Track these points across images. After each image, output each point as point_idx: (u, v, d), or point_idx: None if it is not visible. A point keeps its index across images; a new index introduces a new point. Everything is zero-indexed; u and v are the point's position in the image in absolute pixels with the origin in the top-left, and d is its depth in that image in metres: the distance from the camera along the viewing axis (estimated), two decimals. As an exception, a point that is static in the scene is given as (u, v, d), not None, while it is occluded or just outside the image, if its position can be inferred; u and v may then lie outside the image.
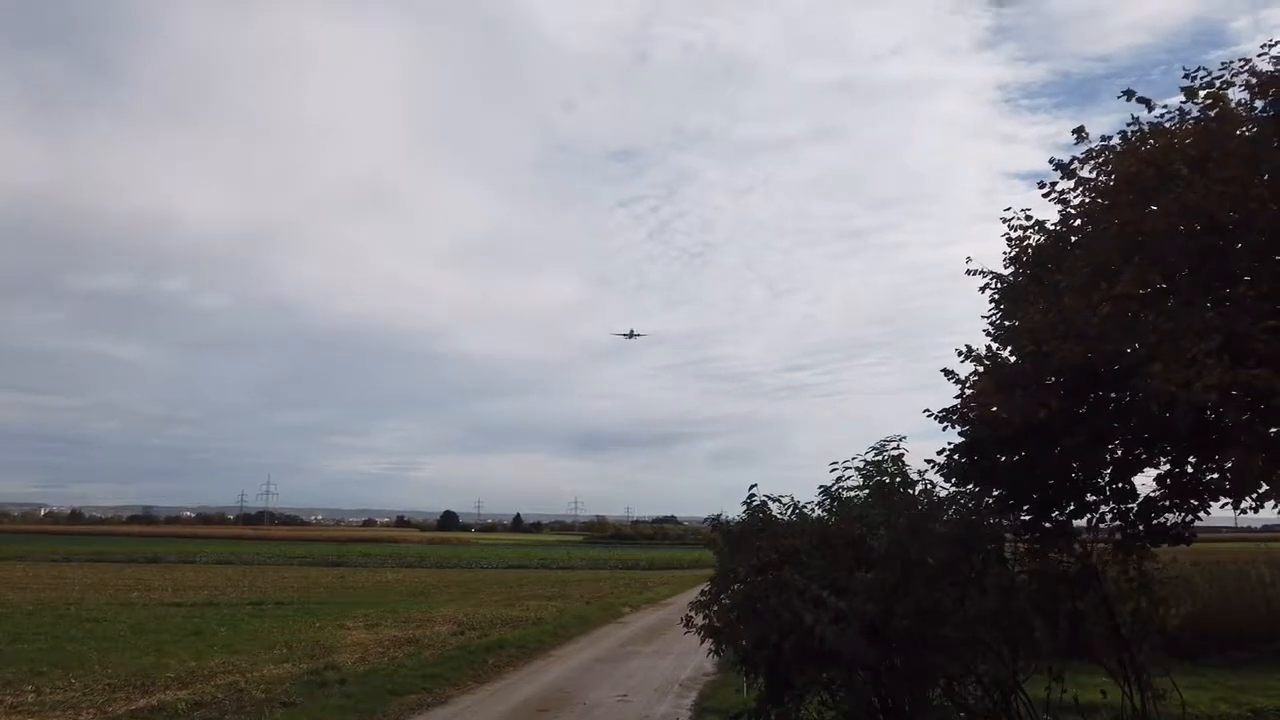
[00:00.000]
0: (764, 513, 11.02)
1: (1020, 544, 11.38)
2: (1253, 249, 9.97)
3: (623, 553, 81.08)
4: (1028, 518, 11.05)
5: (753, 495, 11.04)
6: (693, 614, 10.91)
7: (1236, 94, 10.53)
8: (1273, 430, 8.79)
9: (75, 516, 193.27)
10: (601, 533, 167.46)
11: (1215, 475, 9.92)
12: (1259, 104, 10.51)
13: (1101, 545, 11.07)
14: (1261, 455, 9.22)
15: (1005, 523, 10.92)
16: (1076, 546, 11.16)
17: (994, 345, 11.28)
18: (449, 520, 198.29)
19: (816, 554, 10.29)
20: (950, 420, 10.93)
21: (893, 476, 10.52)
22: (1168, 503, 10.36)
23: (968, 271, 12.22)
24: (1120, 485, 10.82)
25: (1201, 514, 10.43)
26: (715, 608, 10.47)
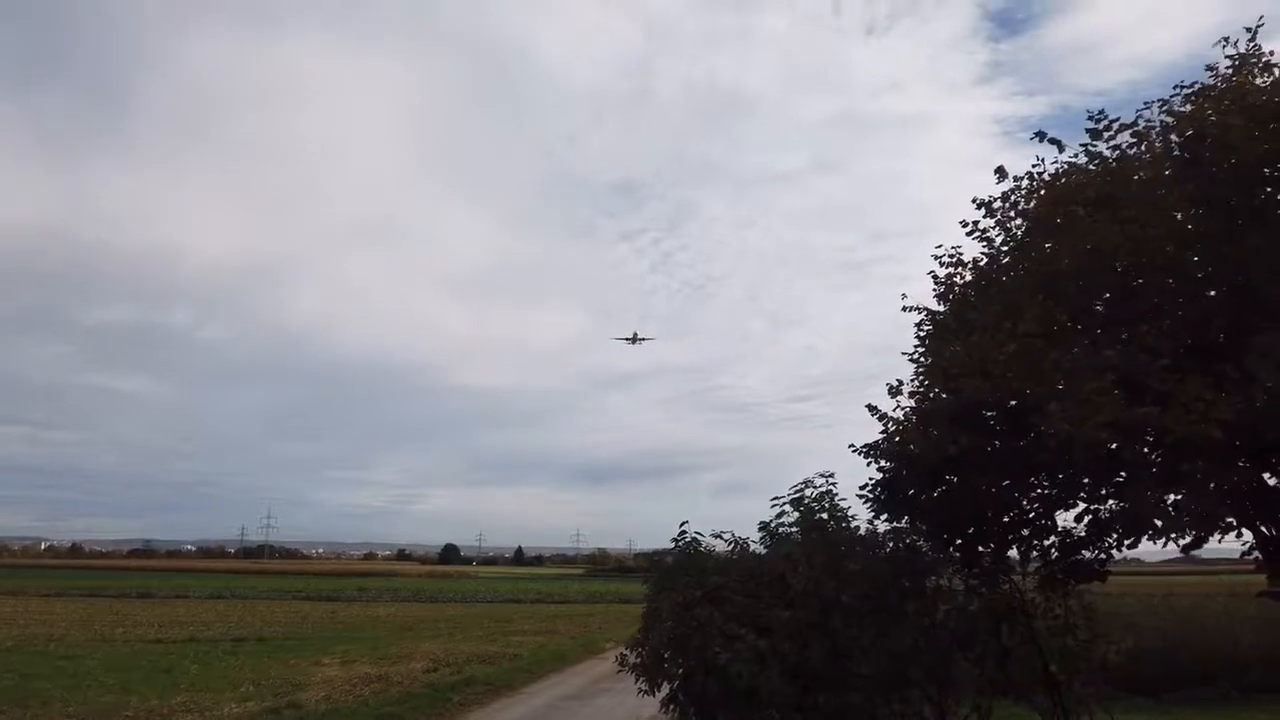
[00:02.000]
0: (694, 549, 11.21)
1: (955, 580, 11.55)
2: (1154, 289, 10.29)
3: (622, 586, 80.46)
4: (958, 553, 11.23)
5: (684, 532, 11.24)
6: (628, 652, 11.05)
7: (1168, 134, 10.88)
8: (1180, 468, 8.97)
9: (76, 551, 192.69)
10: (603, 565, 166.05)
11: (1120, 512, 10.11)
12: (1174, 144, 10.90)
13: (1030, 581, 11.22)
14: (1154, 493, 9.42)
15: (939, 557, 11.09)
16: (1005, 583, 11.31)
17: (917, 381, 11.56)
18: (450, 554, 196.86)
19: (741, 592, 10.45)
20: (873, 455, 11.16)
21: (814, 513, 10.72)
22: (1085, 539, 10.53)
23: (903, 308, 12.56)
24: (1041, 522, 11.00)
25: (1115, 551, 10.60)
26: (646, 646, 10.62)
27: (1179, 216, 10.13)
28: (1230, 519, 9.39)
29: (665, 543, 11.34)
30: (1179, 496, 9.05)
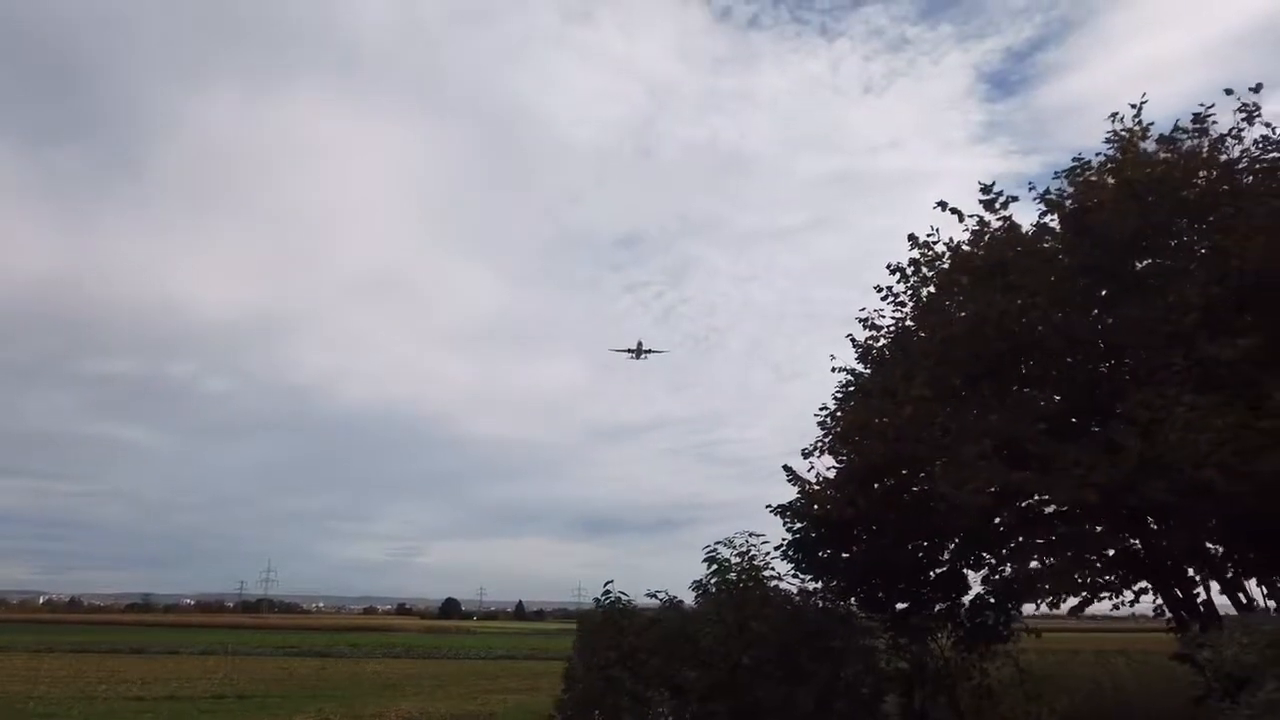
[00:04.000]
0: (616, 610, 11.56)
1: (880, 640, 11.81)
2: (1041, 354, 10.83)
3: (618, 641, 78.69)
4: (874, 613, 11.52)
5: (608, 591, 11.63)
6: (555, 712, 11.32)
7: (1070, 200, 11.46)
8: (1059, 532, 9.32)
9: (74, 604, 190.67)
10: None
11: (1010, 576, 10.42)
12: (1059, 212, 11.56)
13: (949, 642, 11.47)
14: (1035, 557, 9.76)
15: (850, 617, 11.39)
16: (928, 643, 11.57)
17: (825, 444, 12.03)
18: (450, 608, 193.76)
19: (659, 652, 10.76)
20: (786, 516, 11.56)
21: (727, 571, 11.08)
22: (987, 602, 10.83)
23: (831, 369, 13.11)
24: (950, 584, 11.30)
25: (1015, 613, 10.87)
26: (567, 708, 10.92)
27: (1065, 284, 10.74)
28: (1114, 580, 9.64)
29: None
30: (1059, 560, 9.34)
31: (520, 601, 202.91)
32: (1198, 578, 10.16)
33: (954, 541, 10.81)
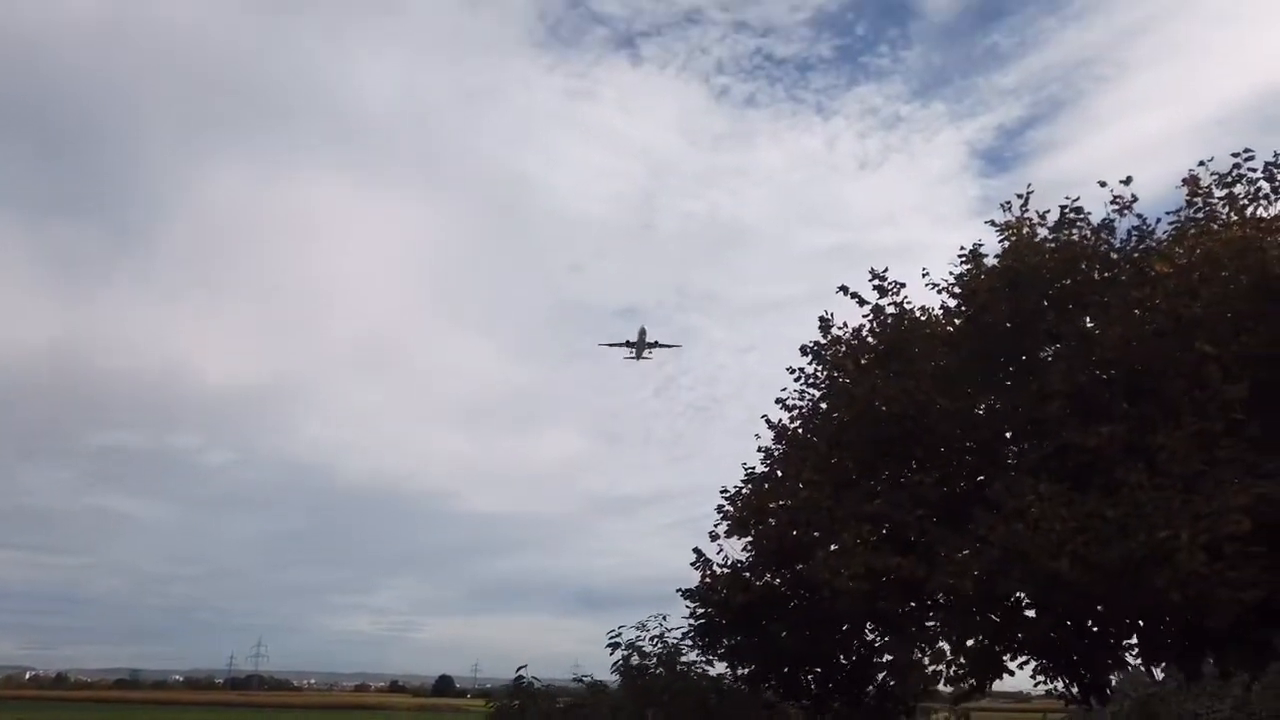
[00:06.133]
0: (527, 694, 11.56)
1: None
2: (929, 439, 11.08)
3: None
4: (779, 696, 11.46)
5: (520, 677, 11.66)
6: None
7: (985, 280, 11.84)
8: (934, 619, 9.37)
9: (60, 680, 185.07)
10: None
11: (891, 662, 10.42)
12: (953, 301, 11.97)
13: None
14: (916, 645, 9.79)
15: (754, 701, 11.33)
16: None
17: (725, 526, 12.14)
18: (444, 685, 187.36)
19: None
20: (693, 598, 11.62)
21: (629, 656, 11.11)
22: (887, 686, 10.78)
23: (758, 448, 13.29)
24: (859, 669, 11.25)
25: (914, 699, 10.79)
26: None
27: (952, 370, 11.08)
28: (999, 666, 9.64)
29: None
30: (935, 648, 9.37)
31: (517, 677, 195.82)
32: (1081, 657, 10.15)
33: (842, 629, 10.82)
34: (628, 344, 51.30)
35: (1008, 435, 10.41)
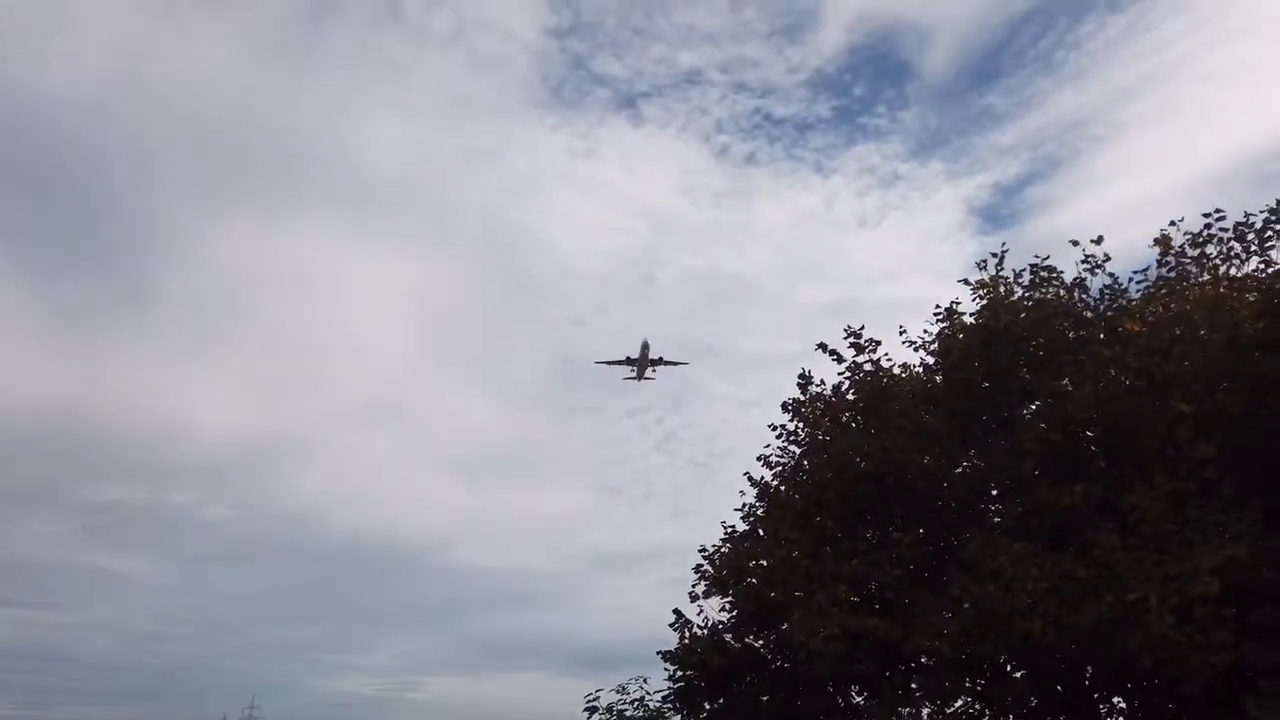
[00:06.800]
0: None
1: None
2: (907, 497, 11.09)
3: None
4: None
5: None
6: None
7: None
8: (911, 683, 9.25)
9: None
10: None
11: None
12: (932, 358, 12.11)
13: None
14: (898, 710, 9.65)
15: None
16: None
17: (703, 587, 12.05)
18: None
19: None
20: (672, 660, 11.48)
21: (611, 718, 10.97)
22: None
23: (736, 509, 13.27)
24: None
25: None
26: None
27: (930, 427, 11.15)
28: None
29: None
30: (918, 712, 9.25)
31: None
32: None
33: (824, 692, 10.64)
34: (628, 361, 45.23)
35: (986, 493, 10.45)
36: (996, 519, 10.01)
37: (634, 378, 45.92)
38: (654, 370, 45.80)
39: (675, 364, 45.71)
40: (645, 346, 44.67)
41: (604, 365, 45.50)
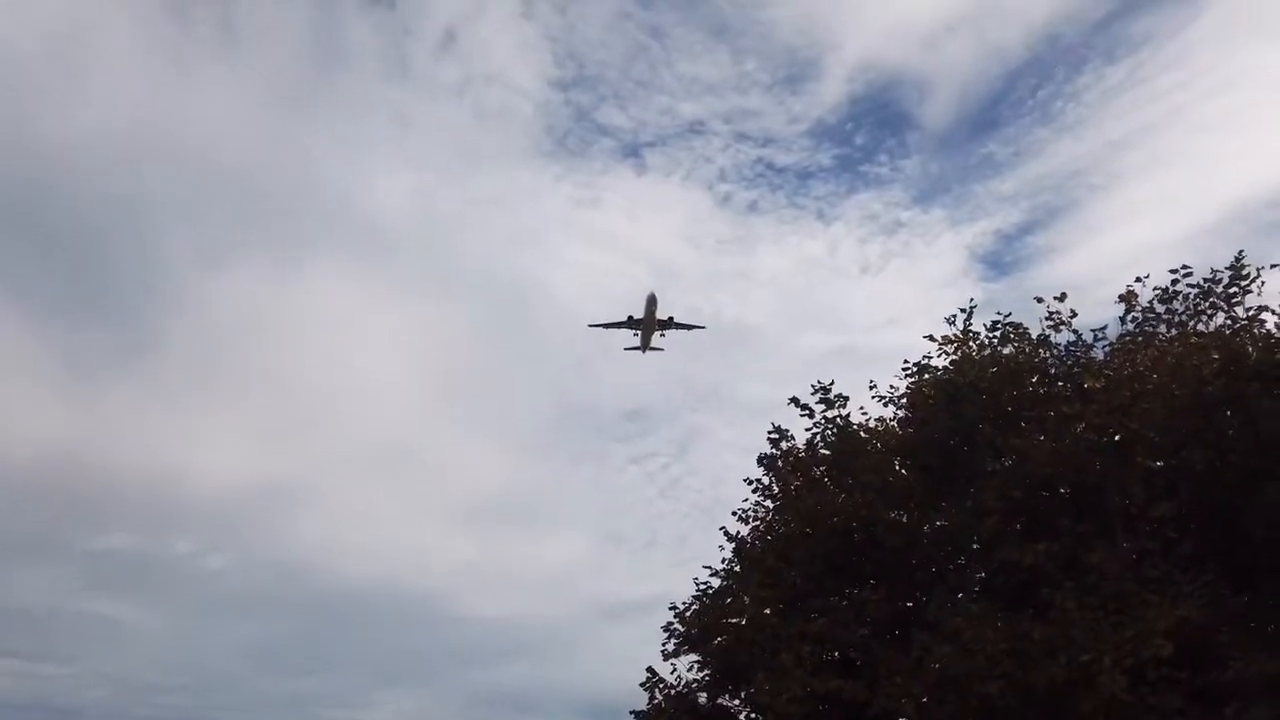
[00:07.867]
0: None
1: None
2: (876, 554, 11.18)
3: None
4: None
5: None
6: None
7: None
8: None
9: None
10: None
11: None
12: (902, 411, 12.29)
13: None
14: None
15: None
16: None
17: (671, 646, 12.05)
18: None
19: None
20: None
21: None
22: None
23: (705, 565, 13.27)
24: None
25: None
26: None
27: (900, 483, 11.28)
28: None
29: None
30: None
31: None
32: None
33: None
34: (630, 323, 35.90)
35: (955, 551, 10.52)
36: (962, 578, 10.07)
37: (637, 348, 37.08)
38: (663, 335, 36.84)
39: (689, 327, 36.95)
40: (652, 302, 35.54)
41: (599, 328, 36.96)
